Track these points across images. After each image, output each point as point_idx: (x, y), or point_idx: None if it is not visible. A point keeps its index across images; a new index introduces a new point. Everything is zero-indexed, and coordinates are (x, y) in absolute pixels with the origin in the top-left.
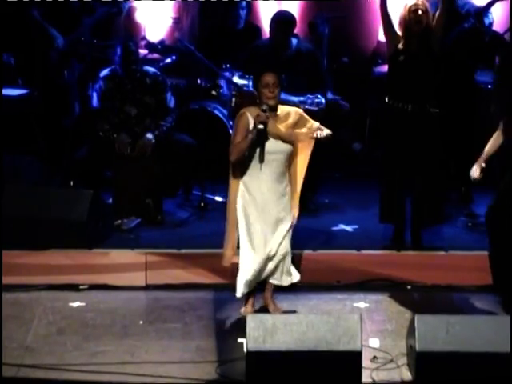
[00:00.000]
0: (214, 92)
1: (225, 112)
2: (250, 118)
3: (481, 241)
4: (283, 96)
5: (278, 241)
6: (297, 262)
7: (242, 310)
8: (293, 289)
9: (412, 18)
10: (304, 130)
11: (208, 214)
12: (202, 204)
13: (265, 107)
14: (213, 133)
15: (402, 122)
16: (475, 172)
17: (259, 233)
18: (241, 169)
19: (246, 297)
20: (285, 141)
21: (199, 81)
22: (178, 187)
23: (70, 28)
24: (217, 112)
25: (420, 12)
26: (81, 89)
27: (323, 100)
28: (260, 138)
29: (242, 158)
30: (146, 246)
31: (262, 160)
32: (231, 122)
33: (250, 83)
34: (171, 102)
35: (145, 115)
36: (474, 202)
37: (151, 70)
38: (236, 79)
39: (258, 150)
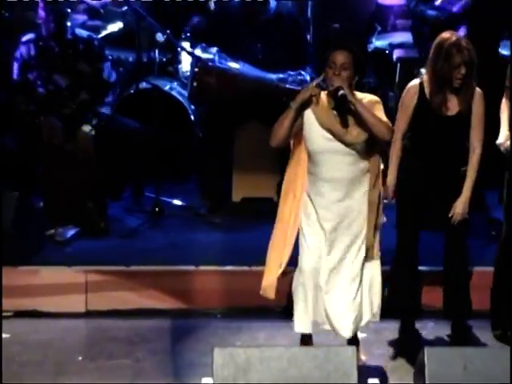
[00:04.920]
0: (170, 68)
1: (184, 93)
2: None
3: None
4: (259, 73)
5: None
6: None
7: None
8: (270, 315)
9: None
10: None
11: (164, 222)
12: (157, 209)
13: (339, 86)
14: (169, 119)
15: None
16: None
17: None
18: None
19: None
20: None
21: (152, 54)
22: (124, 187)
23: None
24: (174, 93)
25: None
26: None
27: (308, 77)
28: (342, 108)
29: (283, 140)
30: (87, 262)
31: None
32: (192, 107)
33: (216, 57)
34: (112, 76)
35: (79, 87)
36: None
37: (85, 33)
38: (198, 52)
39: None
